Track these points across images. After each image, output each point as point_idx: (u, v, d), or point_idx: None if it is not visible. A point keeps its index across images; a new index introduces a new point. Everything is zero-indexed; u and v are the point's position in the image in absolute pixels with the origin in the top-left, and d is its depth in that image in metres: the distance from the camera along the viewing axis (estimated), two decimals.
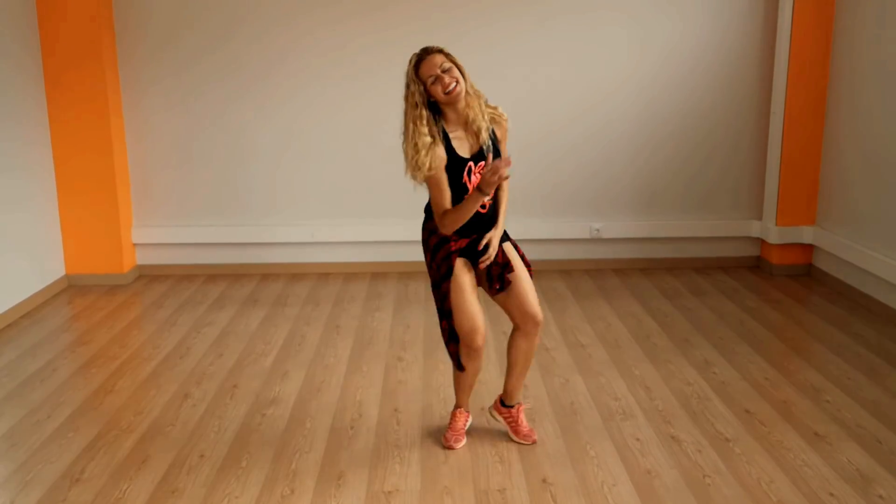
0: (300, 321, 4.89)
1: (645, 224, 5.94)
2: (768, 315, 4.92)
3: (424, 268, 5.79)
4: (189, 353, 4.38)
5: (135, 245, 5.89)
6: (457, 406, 3.38)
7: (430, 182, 3.03)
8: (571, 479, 3.03)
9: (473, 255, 3.13)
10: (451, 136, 3.04)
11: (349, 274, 5.92)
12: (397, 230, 5.85)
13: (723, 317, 4.88)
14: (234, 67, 5.68)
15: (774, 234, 5.71)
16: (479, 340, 3.10)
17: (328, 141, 5.82)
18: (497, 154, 3.11)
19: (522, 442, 3.30)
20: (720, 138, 5.86)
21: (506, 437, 3.37)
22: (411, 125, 2.97)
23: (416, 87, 2.96)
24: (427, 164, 2.94)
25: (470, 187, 3.04)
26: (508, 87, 5.73)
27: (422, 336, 4.60)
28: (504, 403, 3.37)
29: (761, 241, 5.98)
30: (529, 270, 3.24)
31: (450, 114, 3.04)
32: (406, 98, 3.00)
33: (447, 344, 3.20)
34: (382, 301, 5.27)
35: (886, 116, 4.88)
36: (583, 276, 5.81)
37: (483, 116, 3.06)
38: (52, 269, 5.52)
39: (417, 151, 2.95)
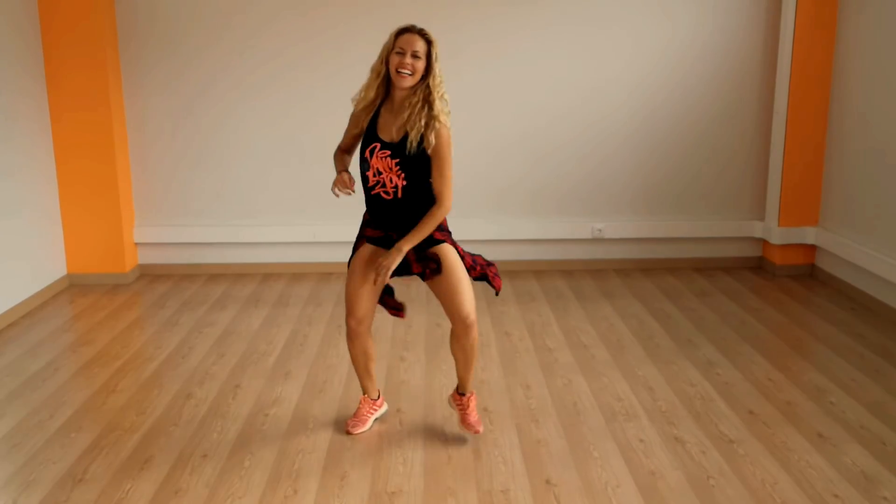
0: (302, 321, 4.89)
1: (647, 224, 5.93)
2: (771, 316, 4.92)
3: None
4: (191, 353, 4.37)
5: (136, 244, 5.88)
6: (364, 392, 3.49)
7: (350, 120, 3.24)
8: (575, 480, 3.03)
9: (387, 246, 3.19)
10: (383, 110, 3.13)
11: None
12: None
13: (725, 317, 4.87)
14: (237, 67, 5.67)
15: (777, 235, 5.71)
16: (351, 322, 3.25)
17: (330, 141, 5.79)
18: (414, 157, 3.06)
19: (467, 431, 3.34)
20: (723, 138, 5.86)
21: (509, 437, 3.36)
22: (371, 72, 3.11)
23: (389, 44, 3.06)
24: (355, 102, 3.17)
25: (370, 164, 3.10)
26: (509, 88, 5.74)
27: (424, 336, 4.60)
28: (458, 391, 3.42)
29: (764, 242, 5.97)
30: (476, 269, 3.24)
31: (394, 92, 3.10)
32: (383, 47, 3.09)
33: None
34: None
35: (889, 116, 4.87)
36: (585, 276, 5.81)
37: (419, 118, 3.03)
38: (54, 268, 5.52)
39: (361, 91, 3.15)
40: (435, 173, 3.08)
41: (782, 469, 3.09)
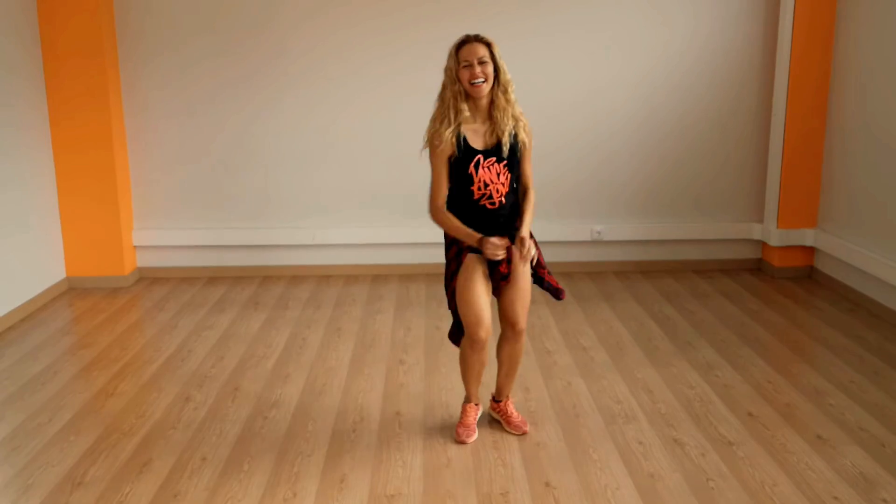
0: (301, 324, 4.89)
1: (646, 226, 5.93)
2: (770, 318, 4.92)
3: (425, 270, 5.86)
4: (190, 356, 4.37)
5: (135, 247, 5.88)
6: (466, 400, 3.45)
7: (432, 164, 3.15)
8: (574, 483, 3.03)
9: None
10: (467, 126, 3.11)
11: (350, 276, 5.91)
12: (398, 233, 5.85)
13: (724, 319, 4.87)
14: (237, 69, 5.67)
15: (776, 237, 5.71)
16: (482, 333, 3.16)
17: (330, 143, 5.82)
18: (513, 155, 3.14)
19: (514, 432, 3.40)
20: (721, 140, 5.86)
21: (509, 439, 3.36)
22: (445, 96, 3.09)
23: (453, 63, 3.06)
24: (432, 139, 3.09)
25: (475, 179, 3.09)
26: None
27: (423, 338, 4.59)
28: (495, 399, 3.51)
29: (762, 244, 5.98)
30: (542, 271, 3.29)
31: (472, 104, 3.12)
32: (445, 72, 3.10)
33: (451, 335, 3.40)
34: (383, 303, 5.27)
35: (888, 117, 4.88)
36: (584, 278, 5.81)
37: (507, 118, 3.11)
38: (53, 271, 5.51)
39: (433, 122, 3.12)
40: (525, 164, 3.21)
41: (781, 471, 3.09)
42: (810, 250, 5.74)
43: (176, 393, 3.89)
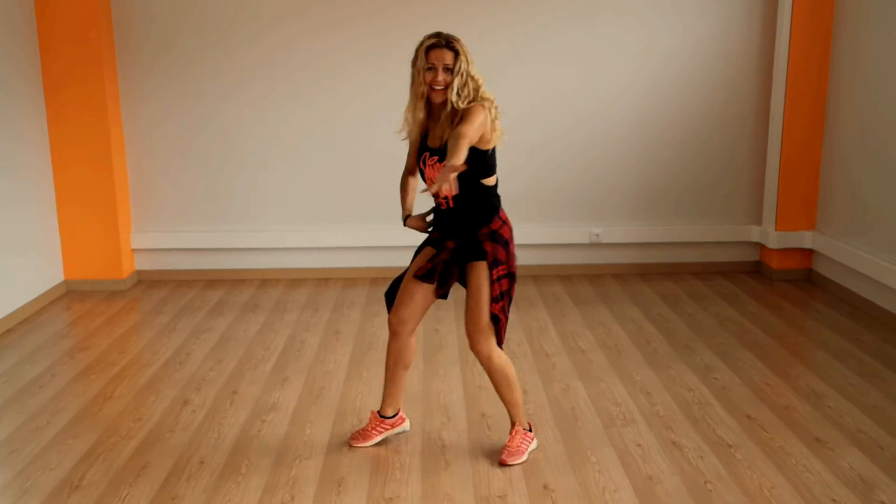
0: (299, 327, 4.88)
1: (644, 229, 5.94)
2: (769, 320, 4.92)
3: None
4: (188, 359, 4.36)
5: (133, 250, 5.88)
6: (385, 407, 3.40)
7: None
8: (573, 486, 3.02)
9: (440, 248, 3.21)
10: (433, 122, 3.13)
11: (348, 279, 5.91)
12: (397, 235, 5.79)
13: (723, 322, 4.87)
14: (233, 74, 5.68)
15: (774, 239, 5.71)
16: (393, 318, 3.25)
17: (327, 146, 5.82)
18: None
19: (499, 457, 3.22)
20: (719, 143, 5.86)
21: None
22: (411, 95, 3.09)
23: (421, 63, 3.04)
24: (407, 127, 3.15)
25: (424, 174, 3.15)
26: (508, 93, 5.72)
27: (421, 342, 4.59)
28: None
29: (761, 246, 5.98)
30: (500, 299, 3.09)
31: (432, 103, 3.10)
32: (413, 64, 3.08)
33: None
34: (382, 306, 5.25)
35: (886, 120, 4.88)
36: (582, 281, 5.81)
37: (448, 123, 3.03)
38: (51, 274, 5.51)
39: (407, 116, 3.15)
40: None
41: (780, 473, 3.09)
42: (808, 253, 5.75)
43: (174, 396, 3.89)
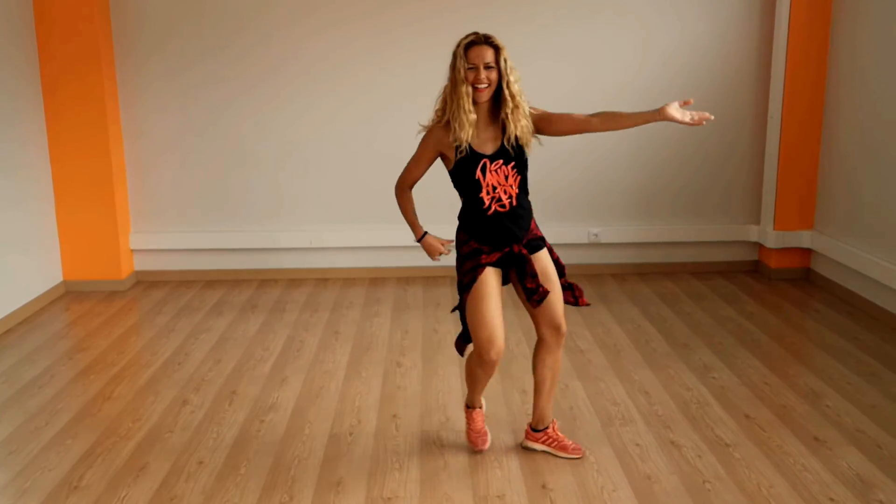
0: (299, 327, 4.89)
1: (643, 229, 5.94)
2: (767, 319, 4.92)
3: (422, 273, 5.86)
4: (187, 360, 4.37)
5: (132, 251, 5.88)
6: (470, 405, 3.29)
7: (419, 147, 3.11)
8: (571, 485, 3.03)
9: (506, 264, 3.08)
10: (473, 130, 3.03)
11: (347, 279, 5.91)
12: (396, 235, 5.83)
13: (721, 321, 4.88)
14: (232, 73, 5.68)
15: (772, 239, 5.72)
16: (493, 355, 3.01)
17: (326, 146, 5.82)
18: (520, 156, 3.06)
19: (573, 456, 3.21)
20: (718, 142, 5.87)
21: (505, 442, 3.36)
22: (454, 95, 2.98)
23: (461, 63, 2.97)
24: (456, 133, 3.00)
25: (483, 184, 3.01)
26: None
27: (420, 341, 4.59)
28: (535, 429, 3.28)
29: (759, 246, 5.98)
30: (563, 273, 3.18)
31: (476, 106, 3.02)
32: (451, 67, 3.01)
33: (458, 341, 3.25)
34: (381, 306, 5.27)
35: (884, 119, 4.88)
36: (581, 280, 5.79)
37: (515, 120, 3.02)
38: (50, 275, 5.51)
39: (438, 112, 3.07)
40: (560, 118, 3.29)
41: (778, 473, 3.09)
42: (807, 252, 5.75)
43: (173, 396, 3.89)
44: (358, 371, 4.18)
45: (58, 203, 5.54)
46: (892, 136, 4.81)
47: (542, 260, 3.11)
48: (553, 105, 5.71)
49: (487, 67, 2.96)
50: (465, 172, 3.03)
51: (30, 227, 5.27)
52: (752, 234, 5.94)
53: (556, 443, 3.25)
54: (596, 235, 5.92)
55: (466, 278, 3.05)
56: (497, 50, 2.98)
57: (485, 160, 3.01)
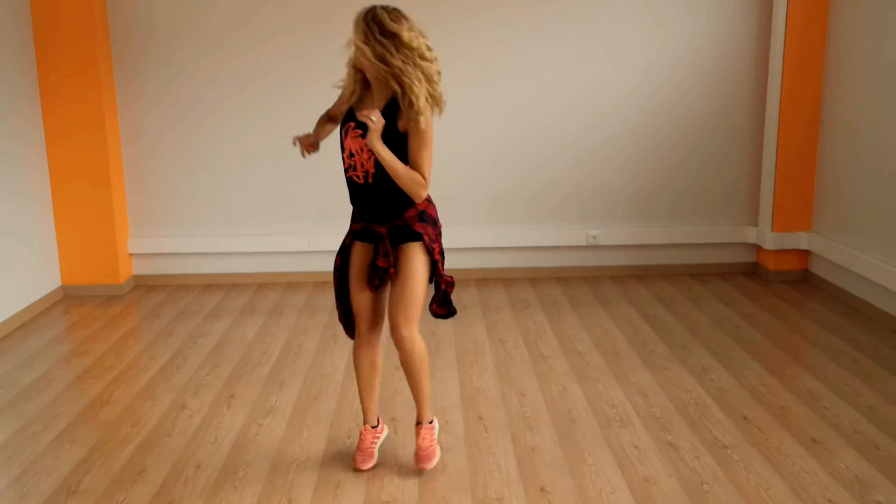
0: (297, 330, 4.89)
1: (641, 231, 5.94)
2: (765, 321, 4.93)
3: None
4: (185, 364, 4.37)
5: (131, 255, 5.88)
6: (363, 420, 3.24)
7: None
8: (569, 487, 3.03)
9: (370, 239, 3.04)
10: (363, 92, 3.02)
11: None
12: None
13: (720, 323, 4.88)
14: (231, 77, 5.68)
15: (770, 240, 5.72)
16: (362, 326, 3.09)
17: (324, 149, 5.80)
18: (389, 138, 2.87)
19: (414, 464, 3.17)
20: (716, 144, 5.87)
21: (504, 444, 3.36)
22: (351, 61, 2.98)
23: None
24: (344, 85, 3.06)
25: (344, 144, 2.99)
26: (503, 97, 5.75)
27: None
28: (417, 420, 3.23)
29: (757, 247, 5.99)
30: (441, 281, 3.05)
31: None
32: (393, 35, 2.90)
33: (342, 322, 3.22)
34: None
35: (881, 121, 4.89)
36: (579, 283, 5.81)
37: (386, 92, 2.90)
38: (48, 279, 5.51)
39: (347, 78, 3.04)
40: (414, 152, 2.88)
41: (776, 474, 3.09)
42: (805, 254, 5.76)
43: (171, 401, 3.89)
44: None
45: (56, 208, 5.53)
46: (889, 138, 4.82)
47: (408, 253, 2.97)
48: (547, 106, 5.76)
49: (357, 47, 2.90)
50: (340, 129, 3.07)
51: (28, 232, 5.27)
52: (750, 235, 5.95)
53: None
54: (594, 238, 5.92)
55: (341, 253, 3.12)
56: (365, 32, 2.86)
57: (350, 123, 2.97)
